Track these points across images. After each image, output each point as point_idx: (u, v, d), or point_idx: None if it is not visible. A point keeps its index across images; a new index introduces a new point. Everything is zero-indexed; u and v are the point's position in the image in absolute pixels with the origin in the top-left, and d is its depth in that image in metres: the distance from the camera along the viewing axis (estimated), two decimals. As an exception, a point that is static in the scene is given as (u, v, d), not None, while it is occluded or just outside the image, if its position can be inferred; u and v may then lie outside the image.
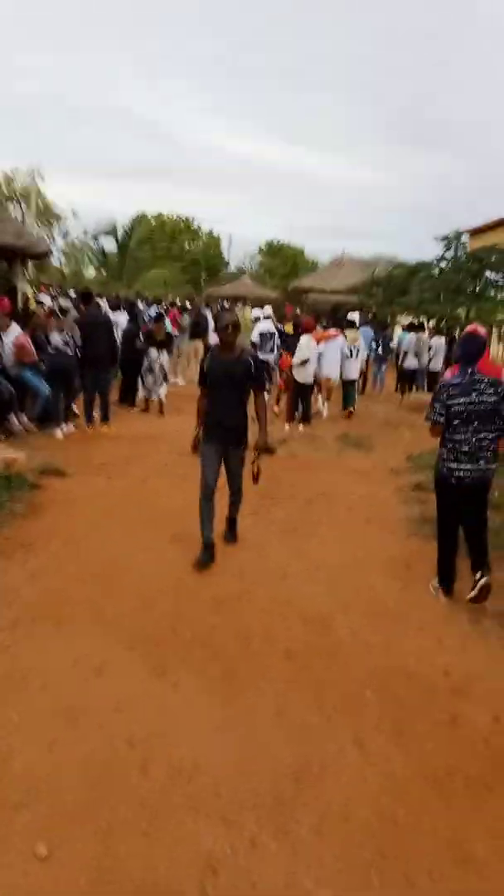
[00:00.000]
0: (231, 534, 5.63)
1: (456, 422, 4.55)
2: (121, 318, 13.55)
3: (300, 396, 10.88)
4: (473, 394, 4.49)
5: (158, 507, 6.19)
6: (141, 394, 12.17)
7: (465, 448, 4.56)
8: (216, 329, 5.27)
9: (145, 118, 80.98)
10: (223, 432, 5.12)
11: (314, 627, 4.27)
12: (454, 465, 4.60)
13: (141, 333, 12.20)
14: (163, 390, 12.06)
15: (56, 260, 44.68)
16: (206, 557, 5.06)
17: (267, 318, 13.38)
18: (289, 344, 11.70)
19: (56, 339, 9.62)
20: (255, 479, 5.33)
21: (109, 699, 3.39)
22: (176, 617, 4.26)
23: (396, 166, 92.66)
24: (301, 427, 10.83)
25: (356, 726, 3.34)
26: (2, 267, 20.00)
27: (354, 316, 14.92)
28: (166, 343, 12.18)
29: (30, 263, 36.27)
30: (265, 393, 5.30)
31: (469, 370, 4.56)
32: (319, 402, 12.54)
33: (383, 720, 3.41)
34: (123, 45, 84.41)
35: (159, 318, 12.35)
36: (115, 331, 10.75)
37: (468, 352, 4.61)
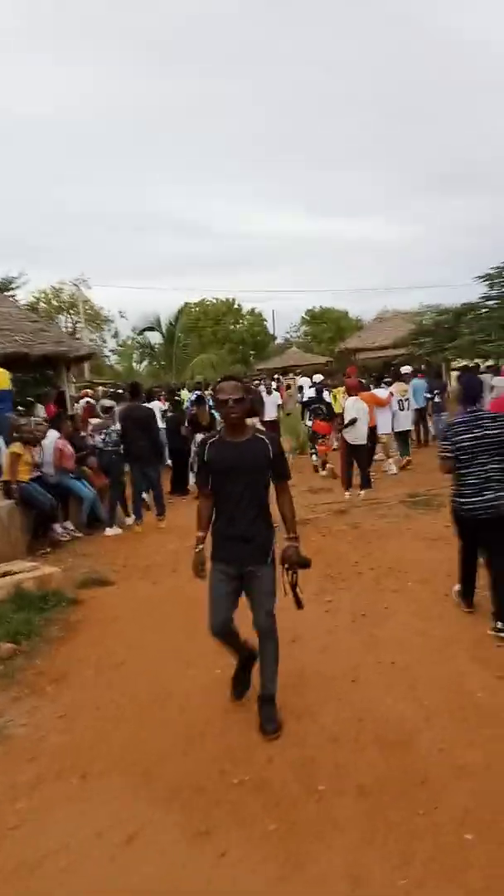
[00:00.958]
0: (269, 723, 3.71)
1: (464, 457, 4.79)
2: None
3: (354, 459, 10.20)
4: (476, 430, 4.77)
5: (204, 613, 5.56)
6: (192, 481, 11.75)
7: (472, 480, 4.78)
8: (214, 404, 4.51)
9: (182, 216, 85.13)
10: (239, 546, 3.67)
11: (393, 751, 3.47)
12: (462, 500, 4.86)
13: (186, 420, 11.93)
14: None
15: (110, 359, 46.61)
16: (238, 693, 4.11)
17: (312, 385, 13.06)
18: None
19: (96, 439, 9.39)
20: (299, 603, 3.87)
21: (138, 881, 2.70)
22: (225, 754, 3.56)
23: (428, 218, 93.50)
24: (362, 493, 10.10)
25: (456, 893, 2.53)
26: (47, 374, 20.49)
27: (407, 369, 14.59)
28: (211, 426, 11.82)
29: (86, 366, 37.67)
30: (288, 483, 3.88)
31: (472, 408, 4.86)
32: (385, 463, 12.00)
33: (493, 880, 2.58)
34: (151, 151, 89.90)
35: (199, 401, 12.05)
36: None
37: (470, 390, 4.93)
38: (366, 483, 10.29)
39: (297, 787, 3.24)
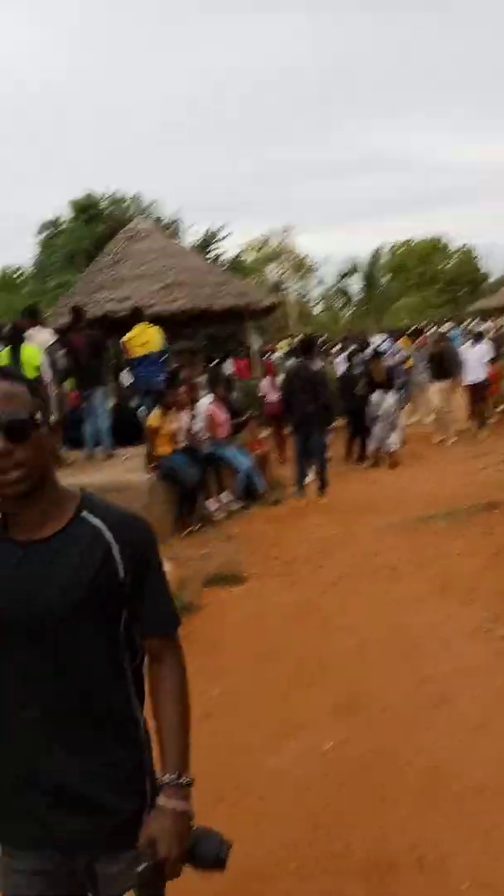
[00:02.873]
0: None
1: None
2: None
3: None
4: None
5: (332, 641, 4.36)
6: (371, 445, 10.37)
7: None
8: None
9: (386, 155, 79.97)
10: (42, 808, 1.33)
11: None
12: None
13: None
14: (394, 439, 10.14)
15: (315, 309, 45.75)
16: None
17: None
18: None
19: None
20: None
21: None
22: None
23: None
24: None
25: None
26: (230, 328, 20.02)
27: None
28: (389, 382, 10.28)
29: (290, 316, 37.03)
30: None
31: None
32: None
33: None
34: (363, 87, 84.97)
35: (376, 355, 10.54)
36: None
37: None
38: None
39: None
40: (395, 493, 8.21)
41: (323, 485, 7.98)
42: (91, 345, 8.31)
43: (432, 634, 4.34)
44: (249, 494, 8.25)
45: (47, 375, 7.73)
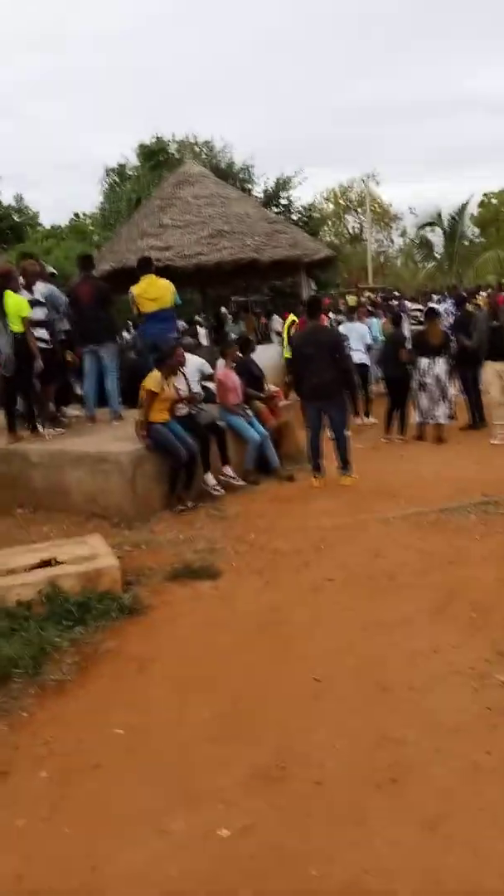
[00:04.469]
0: None
1: None
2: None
3: None
4: None
5: (285, 674, 3.51)
6: (415, 418, 9.27)
7: None
8: None
9: (484, 99, 73.94)
10: None
11: None
12: None
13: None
14: (442, 411, 9.00)
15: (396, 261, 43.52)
16: None
17: None
18: None
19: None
20: None
21: None
22: None
23: None
24: None
25: None
26: (287, 281, 18.88)
27: None
28: (444, 347, 9.09)
29: (369, 269, 35.23)
30: None
31: None
32: None
33: None
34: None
35: (431, 314, 9.31)
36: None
37: None
38: None
39: None
40: (429, 476, 7.18)
41: (345, 465, 7.01)
42: (98, 297, 7.59)
43: (410, 674, 3.44)
44: (262, 468, 7.42)
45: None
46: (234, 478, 6.98)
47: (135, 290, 7.58)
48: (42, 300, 7.17)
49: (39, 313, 7.04)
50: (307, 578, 4.70)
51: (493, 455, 7.99)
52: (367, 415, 10.61)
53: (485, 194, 42.36)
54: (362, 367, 10.36)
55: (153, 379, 6.43)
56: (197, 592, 4.59)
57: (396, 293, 23.26)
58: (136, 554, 5.23)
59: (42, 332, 7.05)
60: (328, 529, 5.59)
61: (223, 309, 19.65)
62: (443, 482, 6.77)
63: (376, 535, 5.42)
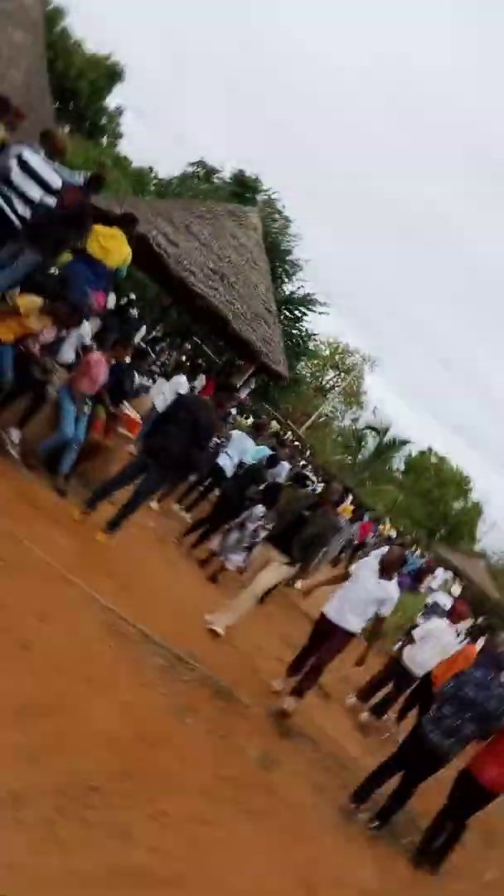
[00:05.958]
0: None
1: None
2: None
3: None
4: None
5: None
6: (214, 545, 8.83)
7: None
8: None
9: None
10: None
11: None
12: None
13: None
14: (240, 558, 8.62)
15: None
16: None
17: None
18: None
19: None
20: None
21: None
22: None
23: None
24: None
25: None
26: (236, 364, 18.67)
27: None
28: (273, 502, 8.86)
29: (310, 420, 35.18)
30: None
31: None
32: None
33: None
34: None
35: (326, 481, 9.17)
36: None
37: None
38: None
39: None
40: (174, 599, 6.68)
41: (114, 524, 6.20)
42: (73, 214, 6.73)
43: None
44: (49, 464, 6.70)
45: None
46: (14, 444, 6.22)
47: (99, 228, 7.00)
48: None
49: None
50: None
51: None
52: (188, 509, 10.11)
53: (431, 449, 44.71)
54: (219, 473, 9.94)
55: (32, 302, 5.77)
56: None
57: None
58: None
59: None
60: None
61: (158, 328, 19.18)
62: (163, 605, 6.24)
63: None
